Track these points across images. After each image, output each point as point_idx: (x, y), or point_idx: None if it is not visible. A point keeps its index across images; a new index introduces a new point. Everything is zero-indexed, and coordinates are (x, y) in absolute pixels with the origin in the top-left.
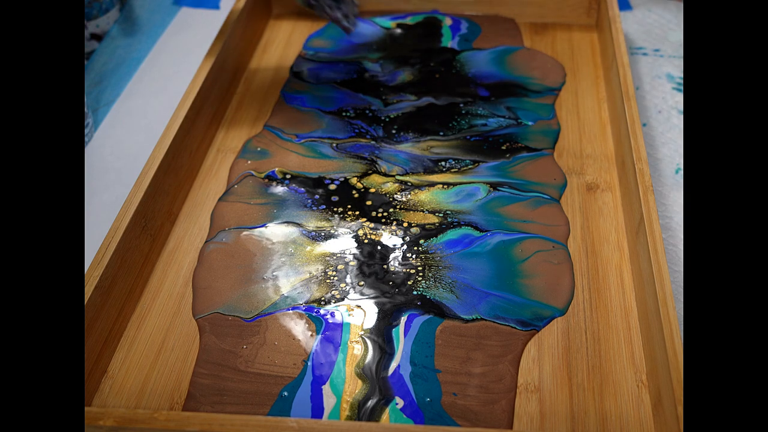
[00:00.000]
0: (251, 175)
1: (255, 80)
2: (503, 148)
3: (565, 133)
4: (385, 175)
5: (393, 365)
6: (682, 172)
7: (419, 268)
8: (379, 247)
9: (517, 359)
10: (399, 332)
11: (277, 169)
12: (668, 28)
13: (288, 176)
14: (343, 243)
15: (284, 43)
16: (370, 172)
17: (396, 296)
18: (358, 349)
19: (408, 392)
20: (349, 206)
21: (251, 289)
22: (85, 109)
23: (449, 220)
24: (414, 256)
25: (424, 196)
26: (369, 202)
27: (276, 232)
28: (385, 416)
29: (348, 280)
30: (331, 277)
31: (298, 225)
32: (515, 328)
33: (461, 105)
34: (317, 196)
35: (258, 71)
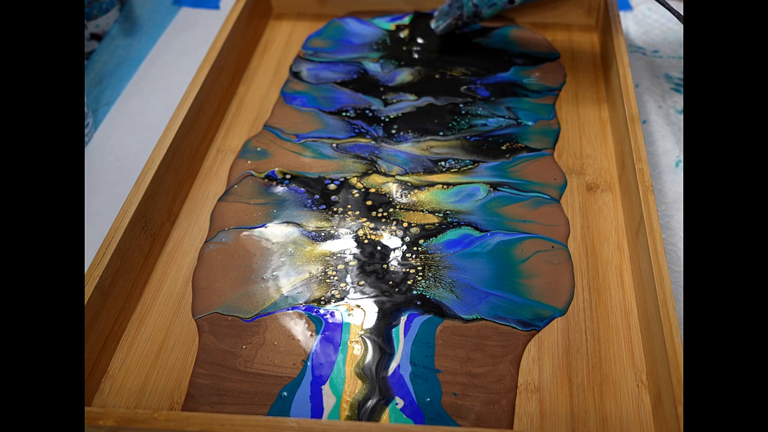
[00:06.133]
0: (251, 175)
1: (255, 80)
2: (503, 148)
3: (565, 133)
4: (385, 175)
5: (393, 365)
6: (681, 165)
7: (419, 268)
8: (379, 247)
9: (518, 359)
10: (399, 332)
11: (277, 169)
12: (668, 28)
13: (288, 176)
14: (343, 243)
15: (284, 43)
16: (370, 172)
17: (396, 296)
18: (358, 349)
19: (408, 392)
20: (349, 206)
21: (251, 289)
22: (85, 109)
23: (449, 220)
24: (414, 256)
25: (424, 196)
26: (369, 202)
27: (276, 232)
28: (385, 416)
29: (348, 279)
30: (331, 277)
31: (298, 225)
32: (515, 328)
33: (461, 105)
34: (317, 196)
35: (258, 71)
